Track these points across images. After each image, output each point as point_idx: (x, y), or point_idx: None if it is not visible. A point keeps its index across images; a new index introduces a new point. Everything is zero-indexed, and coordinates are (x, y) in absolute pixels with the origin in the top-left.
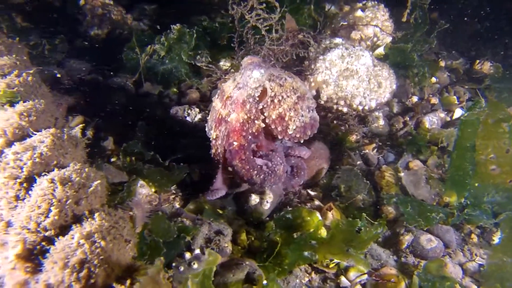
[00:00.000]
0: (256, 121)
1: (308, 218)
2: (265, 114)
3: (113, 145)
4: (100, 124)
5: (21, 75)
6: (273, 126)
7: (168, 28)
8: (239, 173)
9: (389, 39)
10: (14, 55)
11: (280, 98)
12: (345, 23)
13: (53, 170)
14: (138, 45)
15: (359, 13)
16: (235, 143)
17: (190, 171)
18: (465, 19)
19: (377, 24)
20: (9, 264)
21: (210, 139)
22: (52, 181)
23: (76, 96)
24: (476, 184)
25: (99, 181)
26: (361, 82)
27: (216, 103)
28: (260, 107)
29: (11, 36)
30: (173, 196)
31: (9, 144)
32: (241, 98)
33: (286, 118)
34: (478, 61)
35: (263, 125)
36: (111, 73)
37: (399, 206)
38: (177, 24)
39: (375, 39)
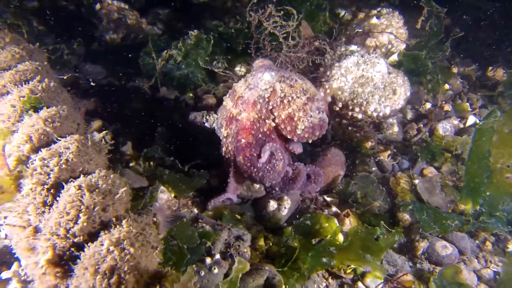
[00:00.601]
0: (267, 121)
1: (326, 224)
2: (275, 114)
3: (131, 150)
4: (118, 129)
5: (43, 80)
6: (282, 126)
7: (182, 33)
8: (241, 169)
9: (403, 46)
10: (35, 61)
11: (290, 98)
12: (360, 30)
13: (79, 177)
14: (154, 50)
15: (374, 20)
16: (243, 140)
17: (209, 177)
18: (478, 25)
19: (392, 31)
20: (40, 269)
21: (221, 138)
22: (80, 187)
23: (93, 100)
24: (488, 193)
25: (124, 188)
26: (376, 89)
27: (227, 102)
28: (270, 107)
29: (31, 41)
30: (191, 201)
31: (35, 150)
32: (252, 98)
33: (295, 118)
34: (490, 68)
35: (273, 124)
36: (127, 77)
37: (415, 213)
38: (195, 30)
39: (389, 46)
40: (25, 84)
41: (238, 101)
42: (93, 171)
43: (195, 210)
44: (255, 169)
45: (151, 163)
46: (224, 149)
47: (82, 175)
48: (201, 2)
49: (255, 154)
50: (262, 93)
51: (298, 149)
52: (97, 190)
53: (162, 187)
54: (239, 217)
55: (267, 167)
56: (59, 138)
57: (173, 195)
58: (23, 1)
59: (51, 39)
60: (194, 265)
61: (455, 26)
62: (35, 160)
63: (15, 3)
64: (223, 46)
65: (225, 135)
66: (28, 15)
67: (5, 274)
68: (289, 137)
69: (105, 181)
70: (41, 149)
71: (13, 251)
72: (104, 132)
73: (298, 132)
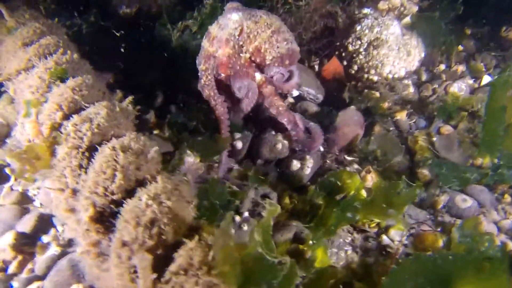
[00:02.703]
0: (241, 54)
1: (349, 180)
2: (243, 48)
3: (154, 118)
4: (139, 99)
5: (66, 53)
6: (253, 58)
7: (194, 4)
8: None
9: (415, 8)
10: (55, 35)
11: (255, 33)
12: None
13: (111, 140)
14: (169, 21)
15: None
16: (222, 74)
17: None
18: None
19: None
20: (83, 226)
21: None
22: (114, 148)
23: (113, 72)
24: (505, 146)
25: (156, 148)
26: (390, 51)
27: (204, 43)
28: (241, 43)
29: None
30: (217, 165)
31: (66, 117)
32: (224, 36)
33: (262, 50)
34: (504, 28)
35: (248, 55)
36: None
37: (433, 168)
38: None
39: (402, 8)
40: (49, 57)
41: (213, 41)
42: (123, 134)
43: (221, 172)
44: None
45: (175, 129)
46: (202, 81)
47: (114, 139)
48: None
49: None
50: (232, 32)
51: (272, 72)
52: (130, 150)
53: (188, 151)
54: (263, 177)
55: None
56: (87, 105)
57: (198, 159)
58: None
59: (65, 18)
60: None
61: None
62: (67, 126)
63: None
64: None
65: (203, 69)
66: None
67: (45, 238)
68: (262, 66)
69: (136, 142)
70: (72, 115)
71: (51, 217)
72: (129, 98)
73: (267, 62)
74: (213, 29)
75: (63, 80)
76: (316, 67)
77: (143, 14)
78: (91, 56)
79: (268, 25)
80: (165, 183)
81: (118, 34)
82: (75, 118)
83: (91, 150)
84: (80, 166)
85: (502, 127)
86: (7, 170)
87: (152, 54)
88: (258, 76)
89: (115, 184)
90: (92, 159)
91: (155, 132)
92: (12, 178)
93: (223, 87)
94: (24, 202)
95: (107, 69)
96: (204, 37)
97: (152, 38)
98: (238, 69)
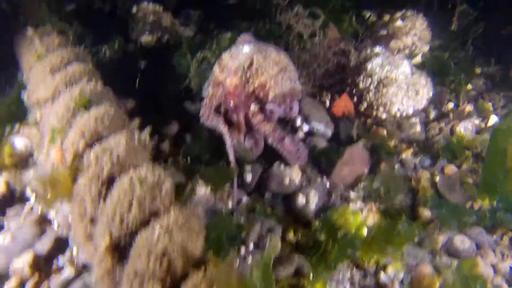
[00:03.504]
0: (246, 85)
1: (351, 218)
2: (250, 81)
3: (169, 147)
4: (156, 128)
5: (90, 81)
6: (256, 92)
7: (214, 34)
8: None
9: (426, 48)
10: (81, 63)
11: (263, 69)
12: (385, 32)
13: (129, 170)
14: (188, 51)
15: (399, 23)
16: (232, 103)
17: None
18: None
19: (416, 33)
20: (98, 254)
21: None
22: (131, 180)
23: (131, 99)
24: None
25: (170, 181)
26: (399, 90)
27: (215, 68)
28: (248, 75)
29: (75, 43)
30: (226, 195)
31: (89, 145)
32: (233, 67)
33: (267, 87)
34: None
35: (251, 89)
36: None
37: (434, 208)
38: (229, 32)
39: (413, 47)
40: (75, 85)
41: (224, 68)
42: (140, 165)
43: (230, 204)
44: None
45: (188, 158)
46: (206, 102)
47: (132, 169)
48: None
49: (241, 116)
50: (242, 63)
51: (274, 108)
52: (146, 183)
53: (200, 181)
54: (270, 210)
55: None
56: (109, 136)
57: (209, 188)
58: (63, 5)
59: (90, 40)
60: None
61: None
62: (89, 155)
63: (55, 7)
64: None
65: (210, 93)
66: (71, 19)
67: (61, 260)
68: (263, 101)
69: (152, 174)
70: (94, 144)
71: (68, 239)
72: (148, 129)
73: (270, 98)
74: (225, 57)
75: (87, 108)
76: (328, 102)
77: (163, 43)
78: (113, 81)
79: (276, 62)
80: (177, 216)
81: (140, 63)
82: (97, 148)
83: (110, 180)
84: (100, 195)
85: (502, 171)
86: (28, 190)
87: (169, 83)
88: (252, 106)
89: (131, 215)
90: (111, 189)
91: (170, 160)
92: (33, 198)
93: (230, 116)
94: (43, 222)
95: (127, 93)
96: (216, 62)
97: (171, 67)
98: (242, 99)
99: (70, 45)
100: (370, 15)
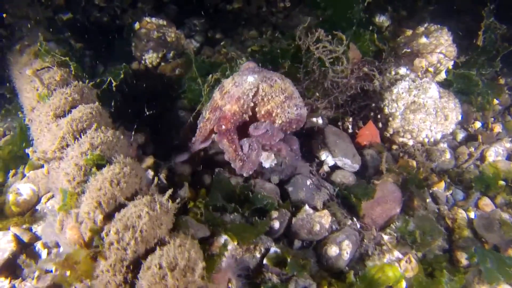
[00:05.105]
0: (244, 115)
1: (390, 273)
2: (256, 109)
3: (189, 192)
4: (171, 166)
5: (100, 128)
6: (262, 120)
7: (219, 43)
8: (226, 150)
9: (451, 63)
10: (87, 102)
11: (270, 97)
12: (409, 49)
13: (154, 248)
14: (198, 74)
15: (423, 40)
16: (223, 127)
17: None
18: None
19: (442, 50)
20: None
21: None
22: (161, 267)
23: (142, 132)
24: None
25: (203, 264)
26: (428, 116)
27: (216, 94)
28: (252, 104)
29: (79, 76)
30: (253, 246)
31: (107, 216)
32: (237, 94)
33: (273, 114)
34: None
35: (247, 119)
36: (172, 103)
37: (478, 260)
38: (243, 58)
39: (438, 64)
40: (83, 134)
41: (225, 95)
42: (164, 238)
43: (257, 255)
44: (236, 152)
45: (210, 208)
46: (201, 125)
47: (158, 248)
48: (235, 8)
49: (234, 138)
50: (246, 91)
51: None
52: (177, 267)
53: (226, 237)
54: (302, 262)
55: (246, 156)
56: (127, 202)
57: (235, 242)
58: (58, 14)
59: (90, 58)
60: None
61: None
62: (110, 233)
63: (49, 15)
64: (269, 67)
65: (206, 118)
66: (66, 32)
67: None
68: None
69: (182, 254)
70: (114, 216)
71: None
72: (169, 192)
73: (276, 126)
74: (228, 84)
75: (99, 166)
76: (350, 127)
77: (168, 59)
78: (121, 112)
79: (282, 90)
80: None
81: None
82: (118, 223)
83: (136, 262)
84: (125, 281)
85: None
86: (39, 245)
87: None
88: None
89: None
90: (137, 272)
91: (190, 206)
92: (44, 255)
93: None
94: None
95: (135, 124)
96: (217, 88)
97: (181, 93)
98: (236, 125)
99: (73, 80)
100: (390, 24)
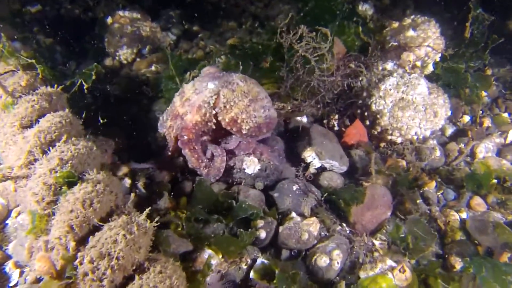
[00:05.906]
0: (208, 123)
1: (383, 283)
2: (219, 118)
3: (169, 202)
4: (150, 174)
5: (70, 139)
6: (228, 128)
7: (197, 36)
8: (189, 160)
9: (438, 56)
10: (56, 109)
11: (232, 103)
12: (396, 43)
13: (133, 276)
14: (176, 73)
15: (410, 33)
16: (185, 137)
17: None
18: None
19: (430, 43)
20: None
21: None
22: None
23: (117, 136)
24: None
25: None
26: (417, 113)
27: (176, 99)
28: (215, 112)
29: (47, 80)
30: (239, 258)
31: (81, 242)
32: (197, 103)
33: (239, 121)
34: None
35: (213, 126)
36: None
37: (474, 269)
38: (223, 57)
39: (425, 58)
40: (51, 147)
41: (185, 102)
42: (144, 262)
43: (243, 266)
44: (200, 160)
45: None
46: (167, 135)
47: (137, 277)
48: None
49: (197, 147)
50: (207, 99)
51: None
52: None
53: (210, 252)
54: (291, 273)
55: (209, 163)
56: (101, 224)
57: (220, 256)
58: (26, 6)
59: (61, 55)
60: None
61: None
62: (84, 263)
63: (17, 7)
64: (250, 64)
65: (168, 125)
66: (34, 27)
67: None
68: (238, 135)
69: (163, 283)
70: (87, 240)
71: None
72: (147, 211)
73: (244, 132)
74: (188, 90)
75: (70, 184)
76: (336, 124)
77: (144, 54)
78: (94, 116)
79: (245, 93)
80: None
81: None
82: (92, 252)
83: None
84: None
85: None
86: (10, 265)
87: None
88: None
89: None
90: None
91: (170, 215)
92: (16, 275)
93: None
94: None
95: (110, 127)
96: (178, 93)
97: (158, 91)
98: (199, 134)
99: (40, 84)
100: (372, 14)
